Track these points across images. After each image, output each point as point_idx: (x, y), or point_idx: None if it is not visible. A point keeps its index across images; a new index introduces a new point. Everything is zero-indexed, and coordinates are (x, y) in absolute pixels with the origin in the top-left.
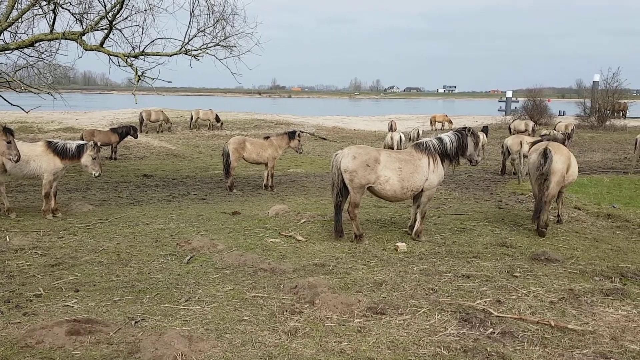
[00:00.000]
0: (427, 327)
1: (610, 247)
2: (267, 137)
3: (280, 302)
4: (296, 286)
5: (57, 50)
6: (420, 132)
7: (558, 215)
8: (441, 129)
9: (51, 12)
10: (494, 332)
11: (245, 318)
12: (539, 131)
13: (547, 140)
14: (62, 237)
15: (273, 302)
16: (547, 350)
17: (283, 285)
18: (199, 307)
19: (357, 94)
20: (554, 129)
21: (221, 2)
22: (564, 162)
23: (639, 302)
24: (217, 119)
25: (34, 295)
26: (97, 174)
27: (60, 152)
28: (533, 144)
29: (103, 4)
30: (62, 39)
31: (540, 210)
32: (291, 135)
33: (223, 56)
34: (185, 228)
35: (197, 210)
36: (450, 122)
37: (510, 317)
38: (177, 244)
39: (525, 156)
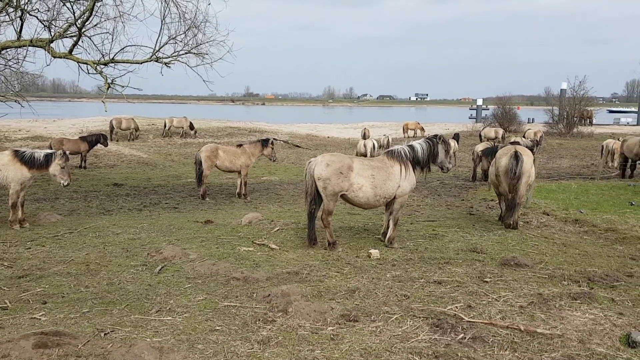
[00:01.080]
0: (400, 333)
1: (578, 251)
2: (240, 145)
3: (253, 311)
4: (269, 295)
5: (25, 57)
6: (390, 139)
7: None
8: (414, 137)
9: (18, 18)
10: (465, 338)
11: (218, 328)
12: (509, 138)
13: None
14: (30, 248)
15: (246, 312)
16: (516, 354)
17: (256, 294)
18: (170, 318)
19: (331, 101)
20: (523, 136)
21: (192, 9)
22: (531, 164)
23: (605, 305)
24: (191, 126)
25: (0, 307)
26: (65, 183)
27: (27, 161)
28: (483, 151)
29: (72, 11)
30: (29, 46)
31: (514, 208)
32: (264, 142)
33: (194, 64)
34: (156, 237)
35: (169, 220)
36: (422, 129)
37: (481, 322)
38: (148, 253)
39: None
